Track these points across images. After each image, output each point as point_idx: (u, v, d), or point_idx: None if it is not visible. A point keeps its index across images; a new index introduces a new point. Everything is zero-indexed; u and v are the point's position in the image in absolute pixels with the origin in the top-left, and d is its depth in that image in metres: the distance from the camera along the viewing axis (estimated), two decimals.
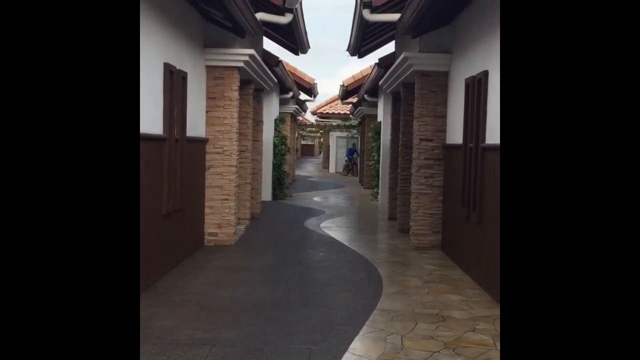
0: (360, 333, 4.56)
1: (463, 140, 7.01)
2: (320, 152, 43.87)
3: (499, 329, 4.60)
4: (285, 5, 8.18)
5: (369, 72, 15.48)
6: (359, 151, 27.43)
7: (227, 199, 8.21)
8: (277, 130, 14.85)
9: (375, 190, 16.00)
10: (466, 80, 6.93)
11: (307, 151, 53.11)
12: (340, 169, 29.92)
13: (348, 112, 27.28)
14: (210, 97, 8.10)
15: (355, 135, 28.76)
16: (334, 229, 10.27)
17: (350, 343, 4.33)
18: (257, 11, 8.08)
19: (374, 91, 15.91)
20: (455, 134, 7.57)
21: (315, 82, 18.63)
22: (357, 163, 26.91)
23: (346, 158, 28.77)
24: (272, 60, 11.28)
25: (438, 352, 4.19)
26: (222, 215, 8.21)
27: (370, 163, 17.04)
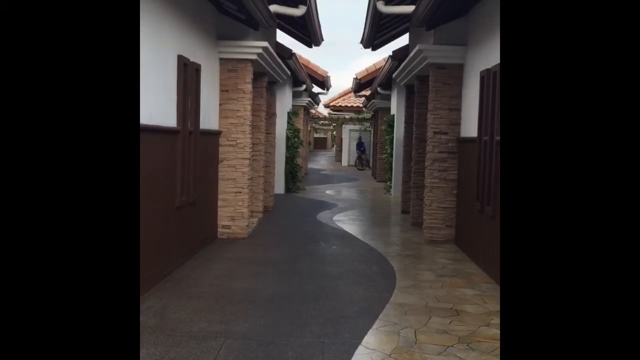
0: (374, 327, 4.55)
1: (478, 134, 6.94)
2: (333, 145, 43.80)
3: None
4: None
5: (383, 64, 15.38)
6: (365, 144, 27.64)
7: (240, 192, 8.22)
8: (290, 123, 14.83)
9: (388, 183, 15.95)
10: (481, 73, 6.85)
11: (319, 144, 53.00)
12: (353, 163, 29.84)
13: (361, 105, 27.17)
14: (223, 90, 8.10)
15: (368, 129, 28.65)
16: (347, 222, 10.26)
17: (363, 337, 4.32)
18: (270, 3, 8.05)
19: (388, 84, 15.81)
20: (470, 127, 7.51)
21: (328, 75, 18.57)
22: (362, 156, 27.44)
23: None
24: (285, 53, 11.24)
25: (452, 346, 4.17)
26: (235, 208, 8.23)
27: (384, 156, 16.97)
